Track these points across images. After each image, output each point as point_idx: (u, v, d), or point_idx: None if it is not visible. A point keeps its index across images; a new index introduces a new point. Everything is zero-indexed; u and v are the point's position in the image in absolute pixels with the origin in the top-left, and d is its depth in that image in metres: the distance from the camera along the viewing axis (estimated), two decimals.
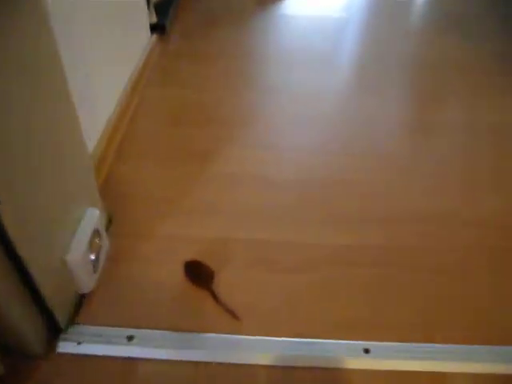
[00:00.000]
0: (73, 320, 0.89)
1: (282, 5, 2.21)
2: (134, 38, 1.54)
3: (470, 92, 1.65)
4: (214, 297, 0.93)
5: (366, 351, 0.89)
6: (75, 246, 0.84)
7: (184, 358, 0.85)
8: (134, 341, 0.86)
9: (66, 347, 0.85)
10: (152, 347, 0.86)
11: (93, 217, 0.91)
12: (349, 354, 0.88)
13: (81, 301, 0.92)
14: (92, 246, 0.90)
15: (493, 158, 1.36)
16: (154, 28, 1.74)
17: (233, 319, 0.90)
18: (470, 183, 1.27)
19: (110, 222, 1.07)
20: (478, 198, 1.22)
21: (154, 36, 1.73)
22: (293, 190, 1.21)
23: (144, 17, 1.64)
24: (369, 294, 0.98)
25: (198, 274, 0.97)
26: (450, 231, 1.12)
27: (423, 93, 1.65)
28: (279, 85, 1.64)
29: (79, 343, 0.85)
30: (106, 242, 0.98)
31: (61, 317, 0.85)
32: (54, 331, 0.86)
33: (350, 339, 0.90)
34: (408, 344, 0.89)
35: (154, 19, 1.75)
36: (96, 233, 0.91)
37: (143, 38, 1.64)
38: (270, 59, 1.82)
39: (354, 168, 1.29)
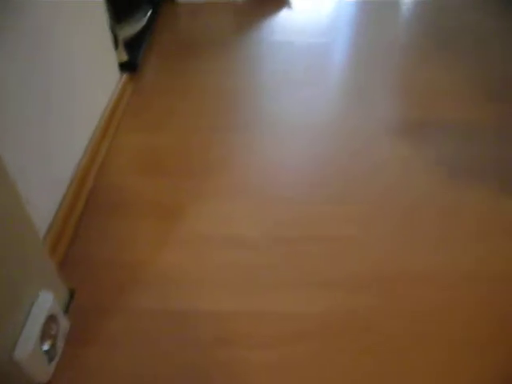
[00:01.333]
0: None
1: (262, 31, 2.13)
2: (100, 81, 1.47)
3: (463, 119, 1.58)
4: None
5: None
6: (24, 341, 0.78)
7: None
8: None
9: None
10: None
11: (46, 301, 0.85)
12: None
13: None
14: (46, 335, 0.83)
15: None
16: (124, 66, 1.67)
17: None
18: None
19: (71, 296, 1.01)
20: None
21: (125, 75, 1.66)
22: (271, 250, 1.14)
23: (111, 57, 1.57)
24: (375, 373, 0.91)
25: None
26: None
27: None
28: (263, 122, 1.57)
29: None
30: (64, 324, 0.92)
31: None
32: None
33: None
34: None
35: (124, 57, 1.68)
36: (51, 318, 0.85)
37: (111, 80, 1.57)
38: (252, 91, 1.74)
39: (341, 221, 1.22)
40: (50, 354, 0.85)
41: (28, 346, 0.78)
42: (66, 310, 0.97)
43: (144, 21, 1.96)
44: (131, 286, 1.05)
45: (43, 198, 1.08)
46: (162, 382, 0.88)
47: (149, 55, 1.90)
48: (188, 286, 1.05)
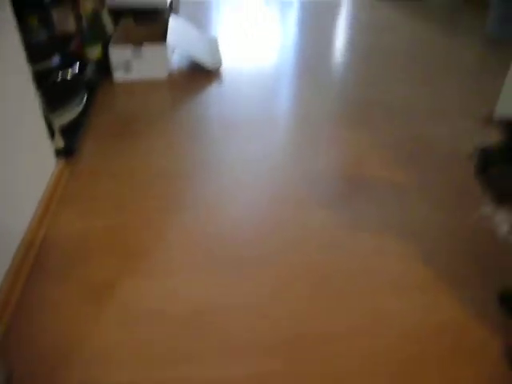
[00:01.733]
0: None
1: (197, 105, 2.35)
2: (35, 171, 1.62)
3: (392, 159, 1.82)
4: None
5: None
6: None
7: None
8: None
9: None
10: None
11: None
12: None
13: None
14: None
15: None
16: (61, 152, 1.82)
17: None
18: None
19: (10, 377, 1.11)
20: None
21: (61, 162, 1.81)
22: (192, 322, 1.28)
23: (47, 146, 1.72)
24: None
25: None
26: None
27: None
28: (195, 206, 1.71)
29: None
30: None
31: None
32: None
33: None
34: None
35: (61, 144, 1.84)
36: None
37: (47, 168, 1.71)
38: (191, 166, 1.90)
39: (254, 288, 1.39)
40: None
41: None
42: None
43: (80, 106, 2.14)
44: (67, 362, 1.17)
45: None
46: None
47: (86, 139, 2.06)
48: (120, 358, 1.19)
